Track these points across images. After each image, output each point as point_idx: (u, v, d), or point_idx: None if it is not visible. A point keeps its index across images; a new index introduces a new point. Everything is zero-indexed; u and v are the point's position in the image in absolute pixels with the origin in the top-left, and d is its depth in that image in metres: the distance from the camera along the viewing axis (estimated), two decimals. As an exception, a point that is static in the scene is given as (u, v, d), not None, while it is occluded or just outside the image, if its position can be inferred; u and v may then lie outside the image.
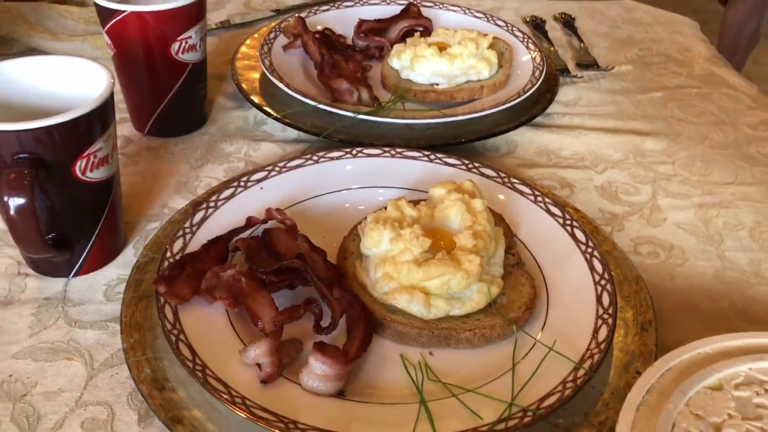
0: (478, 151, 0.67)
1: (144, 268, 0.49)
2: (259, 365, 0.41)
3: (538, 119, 0.71)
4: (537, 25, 0.91)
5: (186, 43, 0.62)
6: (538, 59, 0.75)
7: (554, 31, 0.90)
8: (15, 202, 0.43)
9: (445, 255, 0.46)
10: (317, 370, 0.40)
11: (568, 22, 0.92)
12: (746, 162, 0.66)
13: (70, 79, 0.50)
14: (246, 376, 0.41)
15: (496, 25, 0.82)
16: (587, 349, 0.43)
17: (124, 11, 0.59)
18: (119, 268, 0.52)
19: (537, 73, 0.72)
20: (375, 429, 0.38)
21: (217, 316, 0.45)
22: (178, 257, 0.47)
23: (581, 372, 0.41)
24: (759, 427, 0.39)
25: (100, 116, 0.46)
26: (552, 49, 0.84)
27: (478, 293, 0.46)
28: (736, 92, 0.78)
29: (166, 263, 0.47)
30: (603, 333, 0.43)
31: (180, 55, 0.62)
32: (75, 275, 0.51)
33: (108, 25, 0.60)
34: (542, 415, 0.38)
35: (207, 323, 0.44)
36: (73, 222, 0.48)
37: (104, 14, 0.60)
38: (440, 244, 0.47)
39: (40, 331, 0.47)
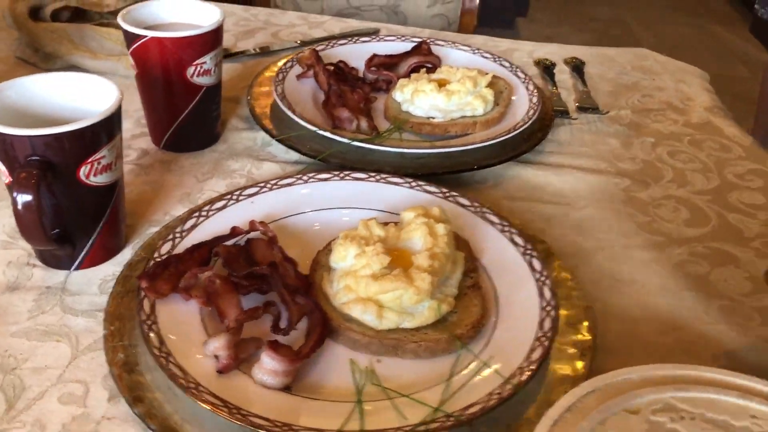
0: (467, 182, 0.71)
1: (135, 266, 0.55)
2: (216, 357, 0.45)
3: (529, 156, 0.74)
4: (546, 68, 0.94)
5: (201, 68, 0.68)
6: (534, 100, 0.78)
7: (562, 74, 0.94)
8: (22, 198, 0.49)
9: (401, 272, 0.50)
10: (267, 365, 0.45)
11: (577, 66, 0.95)
12: (724, 209, 0.68)
13: (85, 93, 0.56)
14: (205, 367, 0.45)
15: (502, 65, 0.86)
16: (519, 367, 0.46)
17: (146, 36, 0.65)
18: (116, 266, 0.57)
19: (531, 112, 0.76)
20: (309, 420, 0.42)
21: (190, 313, 0.50)
22: (164, 257, 0.53)
23: (509, 387, 0.44)
24: (665, 451, 0.41)
25: (105, 128, 0.52)
26: (555, 90, 0.88)
27: (429, 309, 0.50)
28: (730, 142, 0.80)
29: (152, 262, 0.52)
30: (537, 353, 0.47)
31: (195, 78, 0.69)
32: (76, 269, 0.56)
33: (132, 48, 0.67)
34: (463, 421, 0.42)
35: (179, 318, 0.49)
36: (75, 220, 0.54)
37: (129, 38, 0.67)
38: (399, 262, 0.51)
39: (38, 315, 0.52)
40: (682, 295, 0.58)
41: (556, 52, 1.00)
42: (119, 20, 0.67)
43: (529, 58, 0.98)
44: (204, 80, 0.69)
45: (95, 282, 0.56)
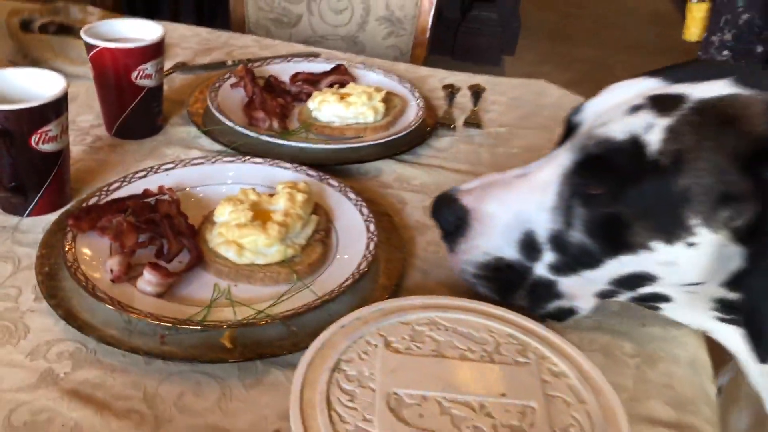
0: (354, 174, 0.88)
1: (68, 214, 0.72)
2: (112, 271, 0.63)
3: (408, 157, 0.92)
4: (451, 92, 1.12)
5: (143, 72, 0.87)
6: (420, 114, 0.96)
7: (463, 97, 1.12)
8: (-14, 154, 0.67)
9: (259, 224, 0.68)
10: (146, 277, 0.62)
11: (476, 92, 1.13)
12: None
13: (44, 83, 0.74)
14: (104, 278, 0.63)
15: (403, 86, 1.04)
16: (330, 291, 0.63)
17: (99, 46, 0.84)
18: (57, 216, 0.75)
19: (414, 123, 0.94)
20: (167, 312, 0.60)
21: (102, 246, 0.67)
22: (89, 205, 0.71)
23: (318, 301, 0.61)
24: (415, 345, 0.58)
25: (52, 108, 0.71)
26: (449, 109, 1.06)
27: (277, 252, 0.67)
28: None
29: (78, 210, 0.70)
30: (347, 282, 0.64)
31: (138, 80, 0.87)
32: (27, 216, 0.74)
33: (90, 55, 0.86)
34: (276, 318, 0.59)
35: (93, 247, 0.67)
36: (27, 177, 0.72)
37: (88, 47, 0.86)
38: (261, 217, 0.69)
39: (-7, 244, 0.70)
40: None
41: (464, 80, 1.18)
42: (81, 33, 0.86)
43: (440, 83, 1.17)
44: (146, 82, 0.88)
45: (41, 225, 0.73)
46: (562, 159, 0.61)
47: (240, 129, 0.89)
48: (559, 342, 0.61)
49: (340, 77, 1.05)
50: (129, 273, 0.64)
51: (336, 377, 0.55)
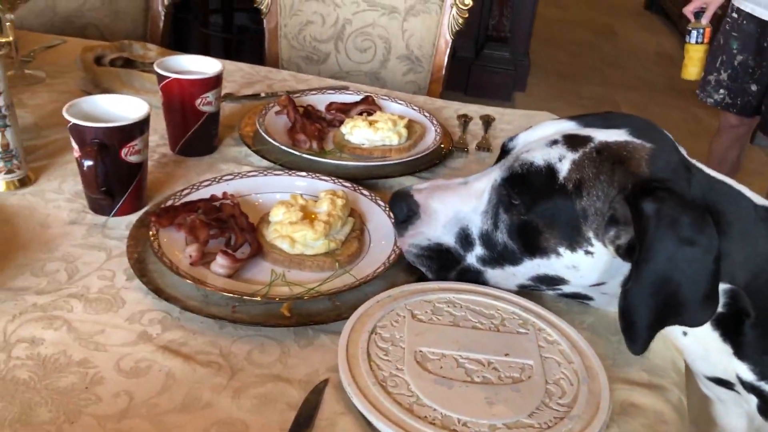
0: (380, 187, 1.03)
1: (149, 213, 0.88)
2: (190, 256, 0.78)
3: (427, 174, 1.07)
4: (465, 121, 1.28)
5: (205, 99, 1.03)
6: (437, 139, 1.12)
7: (475, 126, 1.27)
8: (87, 163, 0.83)
9: (307, 222, 0.83)
10: (218, 261, 0.77)
11: (487, 121, 1.29)
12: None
13: (130, 107, 0.91)
14: (183, 262, 0.78)
15: (423, 115, 1.20)
16: (366, 275, 0.77)
17: (170, 77, 1.01)
18: (138, 216, 0.90)
19: (432, 146, 1.09)
20: (237, 288, 0.74)
21: (179, 238, 0.82)
22: (167, 206, 0.86)
23: (356, 282, 0.76)
24: (436, 317, 0.72)
25: (138, 127, 0.86)
26: (463, 135, 1.21)
27: (322, 245, 0.82)
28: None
29: (159, 209, 0.85)
30: (380, 270, 0.78)
31: (201, 106, 1.03)
32: (113, 215, 0.90)
33: (161, 85, 1.02)
34: (323, 293, 0.74)
35: (172, 239, 0.82)
36: (115, 183, 0.88)
37: (160, 78, 1.02)
38: (308, 217, 0.84)
39: (87, 237, 0.85)
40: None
41: (476, 110, 1.34)
42: (155, 66, 1.03)
43: (455, 113, 1.32)
44: (207, 108, 1.04)
45: (124, 223, 0.88)
46: (495, 174, 0.76)
47: (285, 148, 1.04)
48: (554, 318, 0.75)
49: (368, 107, 1.20)
50: (203, 259, 0.79)
51: (373, 338, 0.69)
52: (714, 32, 2.35)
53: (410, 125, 1.14)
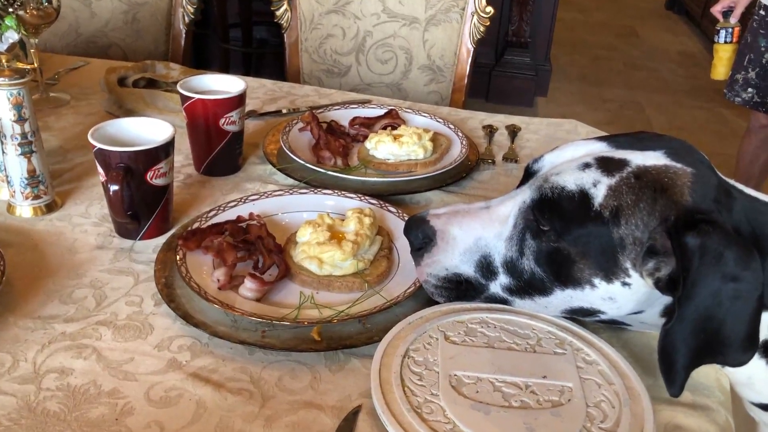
0: (407, 202, 1.02)
1: (176, 237, 0.87)
2: (218, 280, 0.77)
3: (453, 188, 1.05)
4: (490, 131, 1.26)
5: (229, 119, 1.02)
6: (463, 152, 1.10)
7: (501, 136, 1.25)
8: (113, 187, 0.82)
9: (335, 242, 0.81)
10: (247, 285, 0.76)
11: (513, 131, 1.27)
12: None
13: (154, 129, 0.90)
14: (211, 286, 0.77)
15: (448, 127, 1.18)
16: (396, 296, 0.76)
17: (194, 98, 1.00)
18: (165, 239, 0.89)
19: (458, 159, 1.08)
20: (266, 312, 0.73)
21: (206, 261, 0.82)
22: (194, 229, 0.85)
23: (387, 303, 0.74)
24: (469, 339, 0.71)
25: (164, 150, 0.86)
26: (489, 147, 1.19)
27: (351, 265, 0.80)
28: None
29: (185, 232, 0.85)
30: (410, 290, 0.77)
31: (225, 126, 1.03)
32: (140, 239, 0.89)
33: (185, 105, 1.02)
34: (353, 316, 0.72)
35: (199, 262, 0.81)
36: (142, 206, 0.87)
37: (183, 99, 1.02)
38: (336, 237, 0.83)
39: (115, 262, 0.85)
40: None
41: (501, 120, 1.32)
42: (178, 87, 1.02)
43: (480, 124, 1.30)
44: (231, 128, 1.03)
45: (151, 247, 0.88)
46: (521, 198, 0.72)
47: (310, 166, 1.03)
48: (591, 337, 0.73)
49: (393, 120, 1.19)
50: (231, 282, 0.78)
51: (406, 362, 0.68)
52: (742, 31, 2.30)
53: (435, 138, 1.13)
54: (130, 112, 1.22)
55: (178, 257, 0.80)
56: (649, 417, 0.64)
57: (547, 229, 0.68)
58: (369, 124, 1.19)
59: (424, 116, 1.23)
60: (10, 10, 1.18)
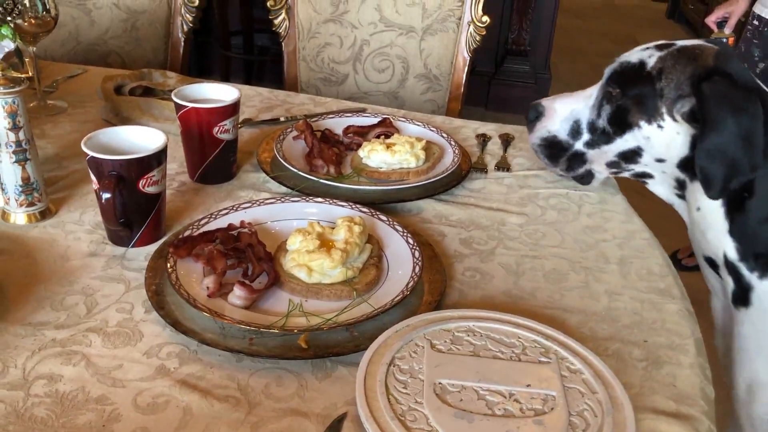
0: (399, 211, 1.03)
1: (167, 244, 0.88)
2: (207, 287, 0.78)
3: (445, 196, 1.06)
4: (483, 140, 1.27)
5: (223, 127, 1.03)
6: (455, 160, 1.11)
7: (494, 145, 1.26)
8: (105, 195, 0.83)
9: (324, 250, 0.82)
10: (236, 292, 0.77)
11: (507, 140, 1.27)
12: (576, 235, 0.98)
13: (148, 137, 0.91)
14: (201, 293, 0.78)
15: (441, 136, 1.19)
16: (384, 304, 0.76)
17: (188, 106, 1.01)
18: (157, 247, 0.90)
19: (450, 168, 1.08)
20: (254, 320, 0.74)
21: (197, 268, 0.82)
22: (185, 236, 0.86)
23: (374, 311, 0.75)
24: (455, 347, 0.71)
25: (156, 158, 0.87)
26: (481, 155, 1.20)
27: (339, 273, 0.81)
28: (605, 209, 1.10)
29: (176, 240, 0.85)
30: (397, 298, 0.77)
31: (218, 134, 1.03)
32: (132, 246, 0.90)
33: (179, 113, 1.03)
34: (341, 324, 0.73)
35: (190, 269, 0.81)
36: (134, 214, 0.88)
37: (177, 107, 1.03)
38: (326, 245, 0.83)
39: (107, 269, 0.85)
40: (521, 285, 0.87)
41: (494, 129, 1.33)
42: (172, 95, 1.03)
43: (473, 132, 1.31)
44: (224, 136, 1.04)
45: (143, 254, 0.88)
46: (601, 81, 1.02)
47: (303, 174, 1.04)
48: (576, 346, 0.73)
49: (386, 129, 1.20)
50: (220, 290, 0.78)
51: (392, 370, 0.68)
52: (737, 41, 2.31)
53: (428, 147, 1.14)
54: (126, 120, 1.23)
55: (168, 265, 0.81)
56: (632, 426, 0.64)
57: (617, 92, 0.97)
58: (363, 132, 1.20)
59: (418, 125, 1.24)
60: (8, 18, 1.20)
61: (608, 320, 0.82)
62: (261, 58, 3.76)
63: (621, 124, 0.96)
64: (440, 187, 1.06)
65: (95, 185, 0.87)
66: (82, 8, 1.79)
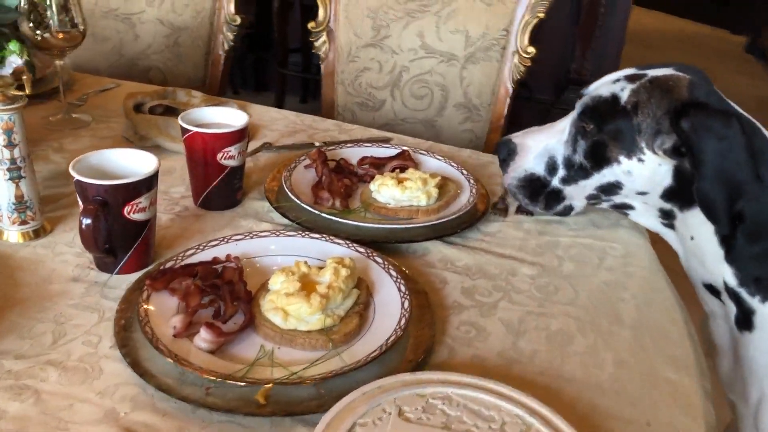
0: (403, 252, 0.96)
1: (147, 274, 0.84)
2: (174, 327, 0.73)
3: (454, 239, 0.99)
4: (510, 178, 1.19)
5: (227, 153, 1.00)
6: (471, 200, 1.04)
7: (520, 184, 1.18)
8: (86, 221, 0.80)
9: (304, 294, 0.76)
10: (201, 335, 0.72)
11: (534, 180, 1.19)
12: (608, 320, 0.90)
13: (139, 162, 0.88)
14: (168, 333, 0.73)
15: (461, 172, 1.13)
16: (357, 360, 0.70)
17: (191, 130, 0.98)
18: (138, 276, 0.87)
19: (463, 209, 1.02)
20: (216, 367, 0.69)
21: (172, 303, 0.78)
22: (164, 268, 0.82)
23: (346, 368, 0.69)
24: (426, 417, 0.64)
25: (144, 184, 0.83)
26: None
27: (318, 320, 0.75)
28: (629, 263, 1.01)
29: (155, 272, 0.82)
30: (374, 353, 0.71)
31: (222, 160, 1.00)
32: (116, 274, 0.87)
33: (183, 137, 1.00)
34: (305, 380, 0.67)
35: (163, 305, 0.77)
36: (118, 241, 0.85)
37: (183, 131, 1.00)
38: (308, 288, 0.78)
39: (85, 296, 0.82)
40: (518, 346, 0.80)
41: (524, 167, 1.25)
42: (179, 119, 1.01)
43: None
44: (229, 162, 1.01)
45: (127, 282, 0.85)
46: (573, 113, 1.00)
47: (305, 206, 0.99)
48: (564, 427, 0.65)
49: (403, 162, 1.14)
50: (189, 330, 0.74)
51: (350, 438, 0.62)
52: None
53: (444, 184, 1.07)
54: (143, 139, 1.21)
55: (141, 298, 0.77)
56: None
57: (591, 127, 0.96)
58: (379, 164, 1.15)
59: (439, 159, 1.18)
60: (37, 32, 1.20)
61: (610, 393, 0.73)
62: (317, 77, 3.76)
63: (598, 159, 0.96)
64: (449, 229, 0.99)
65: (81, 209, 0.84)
66: (127, 22, 1.81)
